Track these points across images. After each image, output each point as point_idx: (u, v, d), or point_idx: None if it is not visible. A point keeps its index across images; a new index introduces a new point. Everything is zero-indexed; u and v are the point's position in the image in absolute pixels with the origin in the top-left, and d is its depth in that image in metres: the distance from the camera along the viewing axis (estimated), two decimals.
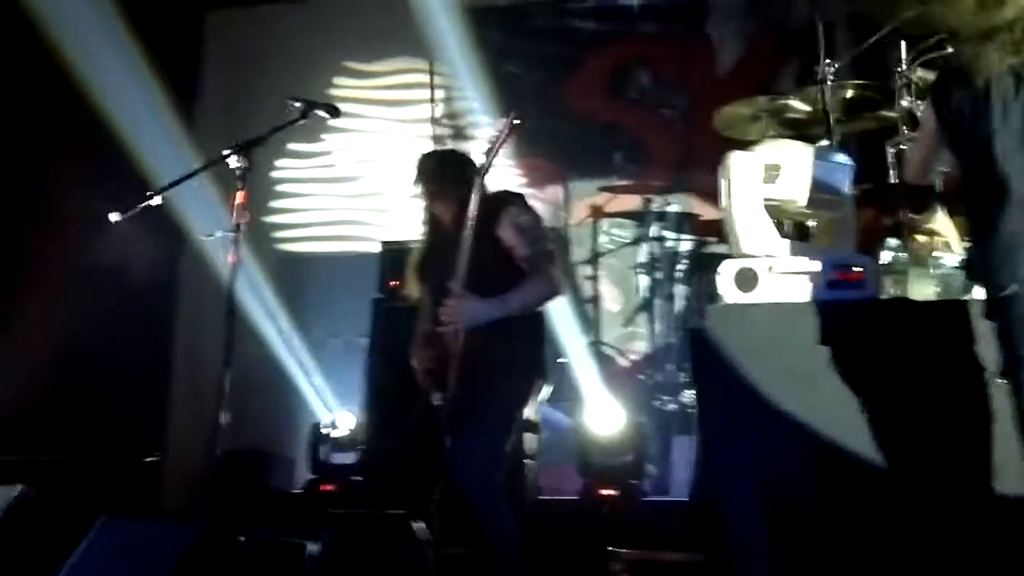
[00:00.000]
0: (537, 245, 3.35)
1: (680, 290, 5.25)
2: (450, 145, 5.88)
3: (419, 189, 3.52)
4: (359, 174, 6.37)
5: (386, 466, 3.47)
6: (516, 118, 3.28)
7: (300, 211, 6.45)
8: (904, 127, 3.24)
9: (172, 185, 3.21)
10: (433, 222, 3.55)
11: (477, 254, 3.22)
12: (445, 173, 3.48)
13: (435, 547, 3.07)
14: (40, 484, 3.32)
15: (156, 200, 3.10)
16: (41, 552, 2.91)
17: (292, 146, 6.28)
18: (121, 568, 2.50)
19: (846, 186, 3.07)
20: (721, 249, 4.60)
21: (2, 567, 3.02)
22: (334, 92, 6.27)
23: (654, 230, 5.32)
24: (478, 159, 3.30)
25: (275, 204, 6.41)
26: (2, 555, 3.00)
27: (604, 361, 5.37)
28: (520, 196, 3.48)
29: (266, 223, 6.25)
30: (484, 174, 3.25)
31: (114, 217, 3.04)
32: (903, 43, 3.30)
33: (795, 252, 3.04)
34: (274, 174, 6.39)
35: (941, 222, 2.96)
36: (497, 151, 3.26)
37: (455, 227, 3.34)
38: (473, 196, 3.22)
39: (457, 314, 3.22)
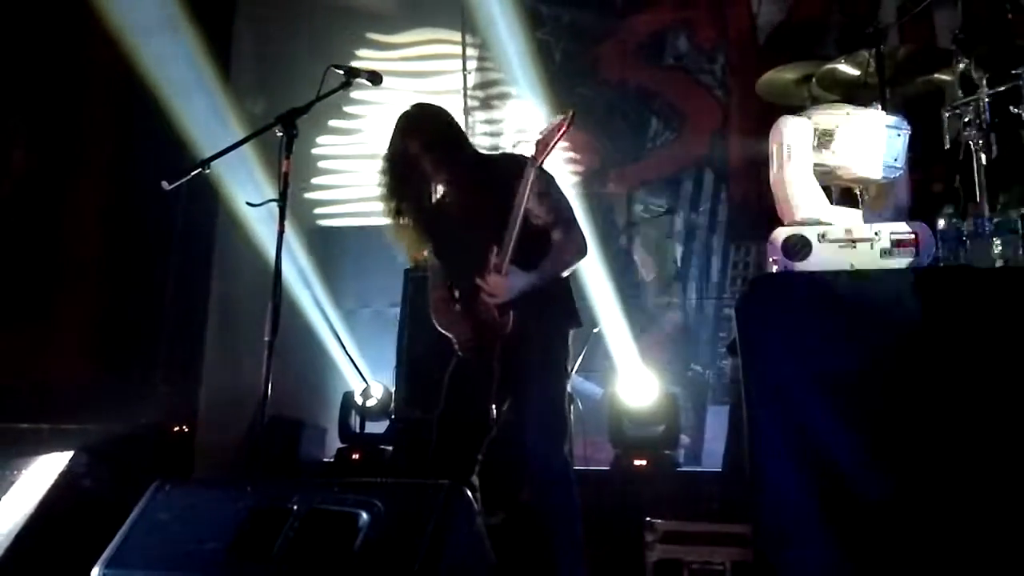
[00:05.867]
0: (558, 208, 3.29)
1: (716, 260, 5.21)
2: (481, 115, 5.81)
3: (405, 146, 3.27)
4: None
5: (424, 435, 3.42)
6: (573, 116, 3.15)
7: (334, 187, 6.42)
8: (960, 91, 3.17)
9: (221, 154, 3.16)
10: (424, 182, 3.33)
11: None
12: (436, 131, 3.30)
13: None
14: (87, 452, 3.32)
15: (207, 169, 3.06)
16: (92, 514, 2.91)
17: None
18: (176, 532, 2.49)
19: (902, 151, 3.00)
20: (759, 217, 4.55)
21: (58, 526, 3.03)
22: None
23: (690, 199, 5.28)
24: (529, 150, 3.19)
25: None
26: (59, 514, 3.01)
27: (638, 331, 5.34)
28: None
29: (300, 194, 6.21)
30: (538, 165, 3.15)
31: (166, 185, 2.99)
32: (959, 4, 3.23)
33: (847, 219, 2.99)
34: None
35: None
36: (552, 147, 3.14)
37: (459, 191, 3.29)
38: (523, 184, 3.12)
39: (499, 290, 3.16)
